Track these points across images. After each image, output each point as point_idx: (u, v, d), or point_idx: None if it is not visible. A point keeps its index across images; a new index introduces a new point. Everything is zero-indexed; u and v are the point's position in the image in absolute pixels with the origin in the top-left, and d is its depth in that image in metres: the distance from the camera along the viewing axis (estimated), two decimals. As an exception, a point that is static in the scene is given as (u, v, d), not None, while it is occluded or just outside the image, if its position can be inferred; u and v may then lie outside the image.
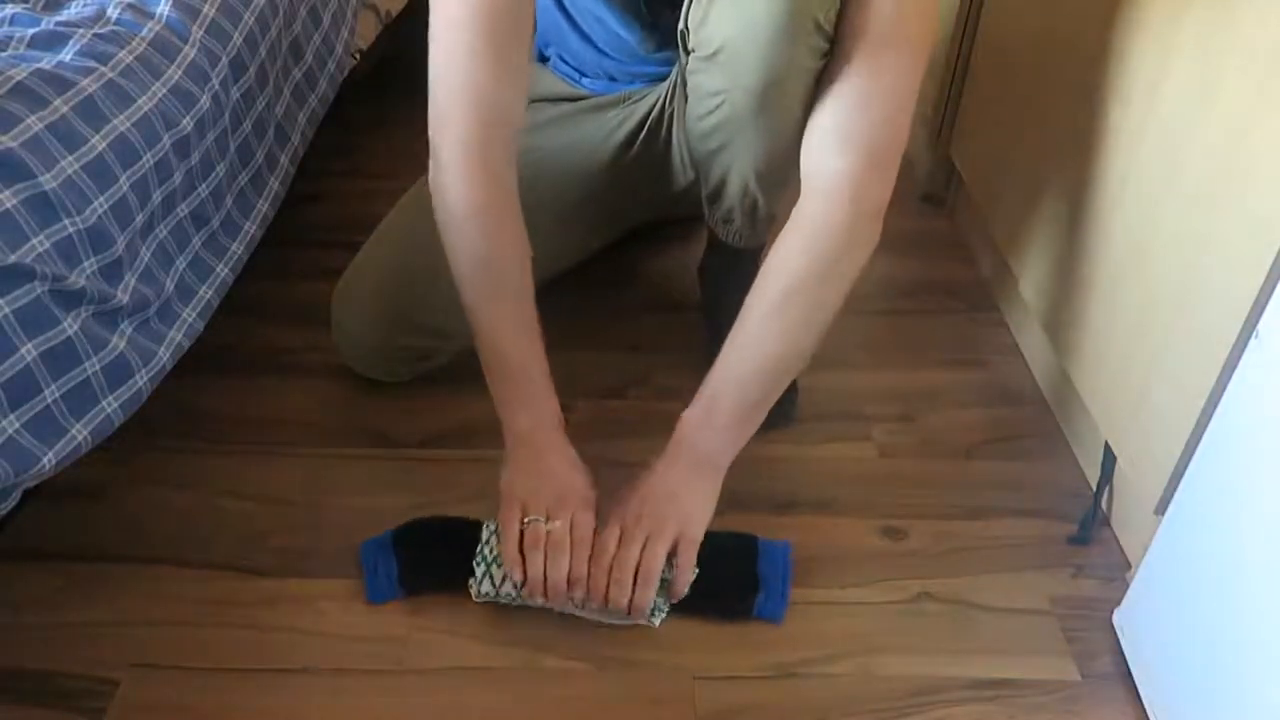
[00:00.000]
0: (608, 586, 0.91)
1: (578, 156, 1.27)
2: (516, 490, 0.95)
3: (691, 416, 0.98)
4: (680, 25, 1.02)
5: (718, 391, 0.97)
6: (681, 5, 1.03)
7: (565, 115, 1.30)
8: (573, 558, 0.91)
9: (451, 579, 0.97)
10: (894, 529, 1.08)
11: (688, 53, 1.02)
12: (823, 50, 0.95)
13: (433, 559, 0.99)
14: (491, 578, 0.96)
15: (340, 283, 1.17)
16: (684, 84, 1.10)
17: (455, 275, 1.00)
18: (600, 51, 1.25)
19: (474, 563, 0.97)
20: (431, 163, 0.98)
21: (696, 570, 0.94)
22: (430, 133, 0.98)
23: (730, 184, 1.07)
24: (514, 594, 0.94)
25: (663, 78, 1.25)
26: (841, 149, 0.94)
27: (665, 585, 0.93)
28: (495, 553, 0.96)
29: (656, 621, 0.94)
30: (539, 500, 0.94)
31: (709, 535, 0.95)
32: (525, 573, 0.92)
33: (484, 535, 0.98)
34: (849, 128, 0.94)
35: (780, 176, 1.06)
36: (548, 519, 0.92)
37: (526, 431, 0.98)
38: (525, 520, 0.93)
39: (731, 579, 0.98)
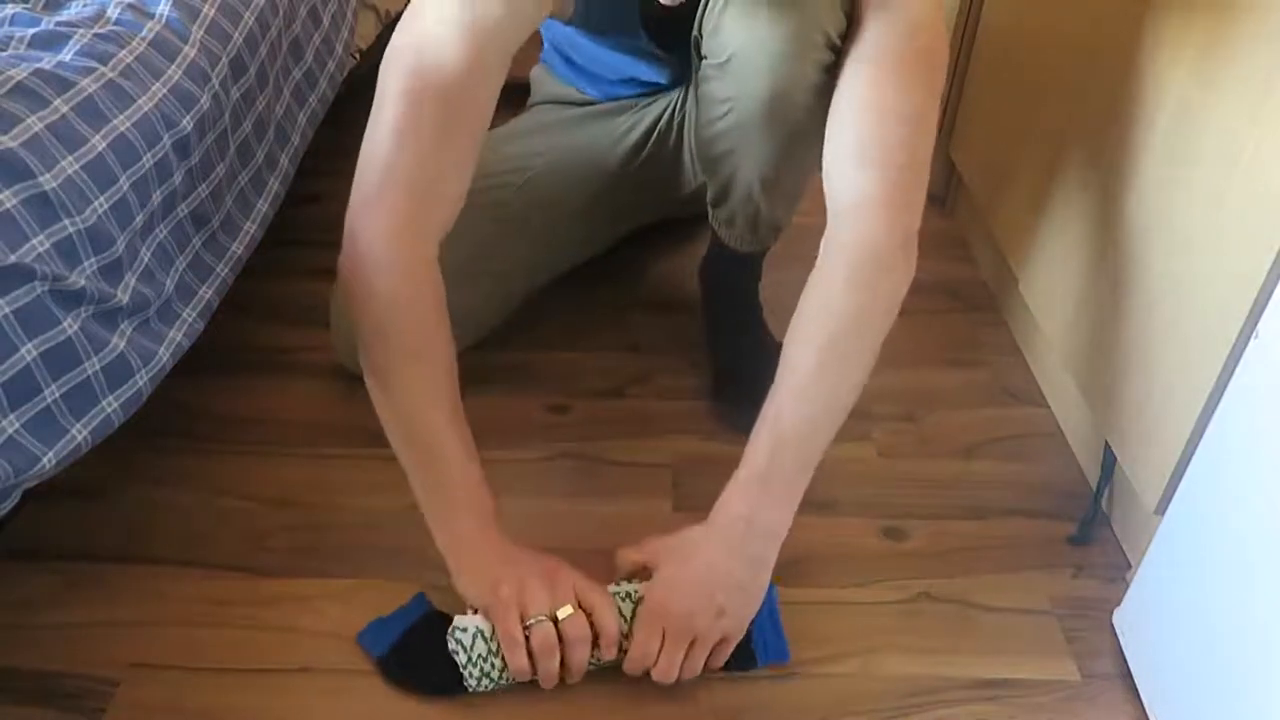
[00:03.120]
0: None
1: (587, 159, 1.27)
2: (501, 594, 0.85)
3: (746, 488, 0.88)
4: (694, 32, 1.03)
5: (775, 455, 0.88)
6: (687, 28, 1.04)
7: (574, 119, 1.30)
8: (598, 645, 0.87)
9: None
10: (894, 529, 1.08)
11: (700, 59, 1.03)
12: (829, 64, 0.95)
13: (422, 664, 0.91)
14: (489, 677, 0.88)
15: (337, 282, 1.17)
16: (695, 89, 1.11)
17: (374, 367, 0.90)
18: (610, 81, 1.26)
19: (463, 675, 0.88)
20: (346, 250, 0.89)
21: None
22: (349, 217, 0.88)
23: (735, 189, 1.07)
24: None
25: (667, 87, 1.26)
26: (864, 172, 0.89)
27: None
28: (479, 655, 0.87)
29: None
30: (533, 595, 0.85)
31: None
32: (537, 672, 0.86)
33: (456, 644, 0.88)
34: (871, 151, 0.89)
35: (784, 186, 1.06)
36: (552, 613, 0.85)
37: (474, 533, 0.89)
38: (528, 624, 0.85)
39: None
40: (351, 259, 0.88)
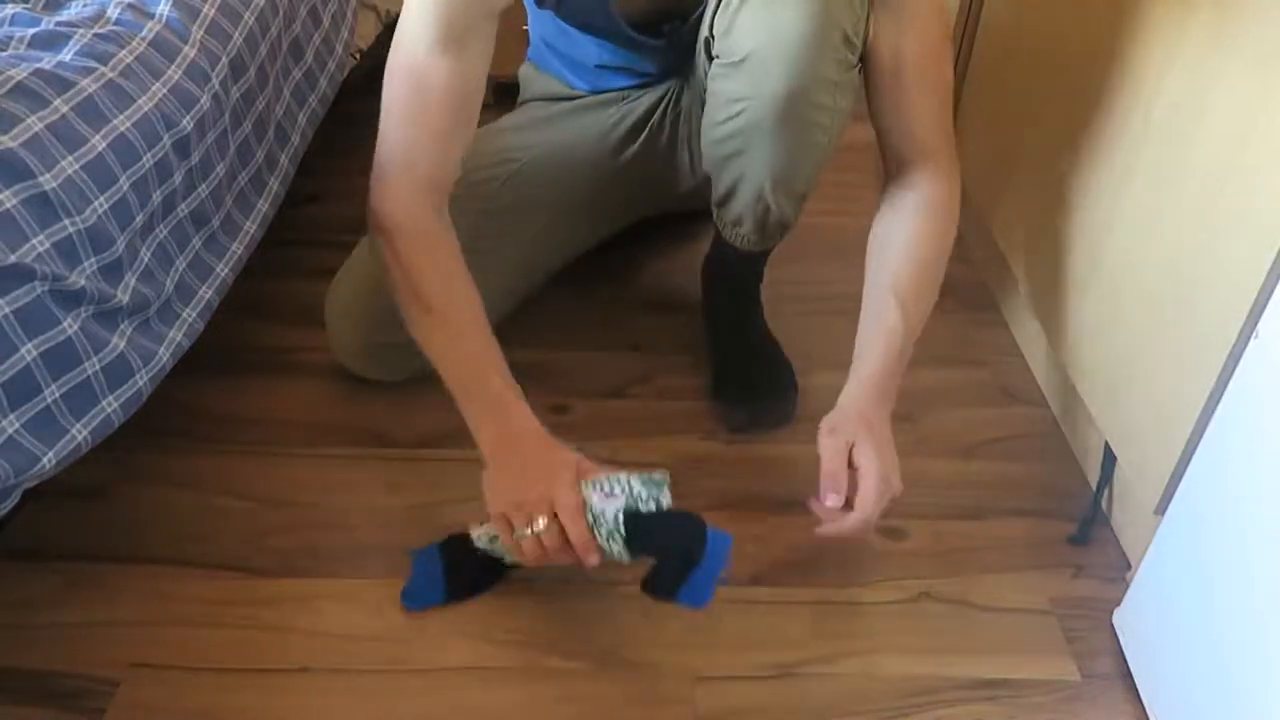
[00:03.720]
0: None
1: (578, 153, 1.27)
2: (496, 505, 0.92)
3: (876, 379, 0.98)
4: (704, 33, 1.03)
5: (887, 360, 0.99)
6: (664, 27, 1.06)
7: (563, 112, 1.30)
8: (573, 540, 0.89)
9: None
10: (894, 529, 1.08)
11: (710, 59, 1.03)
12: (850, 64, 0.97)
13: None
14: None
15: (332, 283, 1.17)
16: (698, 86, 1.11)
17: (411, 320, 0.99)
18: (597, 71, 1.27)
19: (504, 559, 0.98)
20: (370, 223, 1.02)
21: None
22: (370, 194, 1.01)
23: (743, 189, 1.07)
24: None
25: (658, 78, 1.26)
26: (934, 136, 1.05)
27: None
28: (504, 546, 0.94)
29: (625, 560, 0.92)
30: (519, 506, 0.90)
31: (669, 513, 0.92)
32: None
33: (484, 548, 0.97)
34: (934, 118, 1.04)
35: (797, 185, 1.06)
36: (532, 524, 0.89)
37: (491, 446, 0.95)
38: (515, 535, 0.90)
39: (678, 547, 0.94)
40: (373, 229, 1.02)
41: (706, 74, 1.05)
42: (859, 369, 0.99)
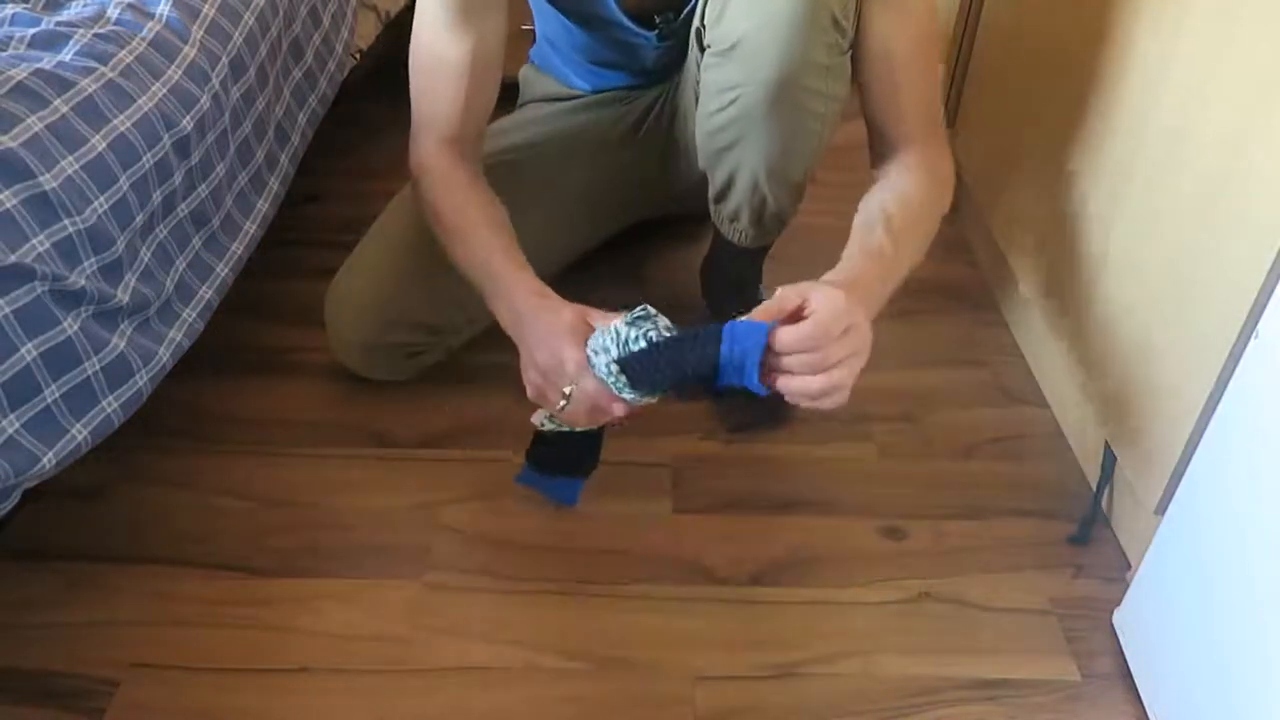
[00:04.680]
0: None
1: (579, 151, 1.27)
2: (527, 384, 0.96)
3: (865, 271, 0.95)
4: (696, 23, 1.04)
5: (867, 272, 0.95)
6: (657, 19, 1.07)
7: (563, 111, 1.30)
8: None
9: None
10: (894, 529, 1.08)
11: (702, 49, 1.03)
12: (841, 48, 0.97)
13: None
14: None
15: (332, 282, 1.17)
16: (691, 80, 1.11)
17: (443, 246, 1.06)
18: (597, 69, 1.27)
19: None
20: (410, 169, 1.09)
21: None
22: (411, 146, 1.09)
23: (739, 181, 1.07)
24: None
25: (652, 78, 1.26)
26: (913, 123, 1.05)
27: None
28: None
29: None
30: (544, 378, 0.94)
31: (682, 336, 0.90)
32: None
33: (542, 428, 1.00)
34: (925, 100, 1.05)
35: (791, 174, 1.06)
36: (561, 393, 0.93)
37: (508, 323, 0.99)
38: (557, 408, 0.94)
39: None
40: (412, 182, 1.11)
41: (699, 65, 1.05)
42: (837, 271, 0.94)
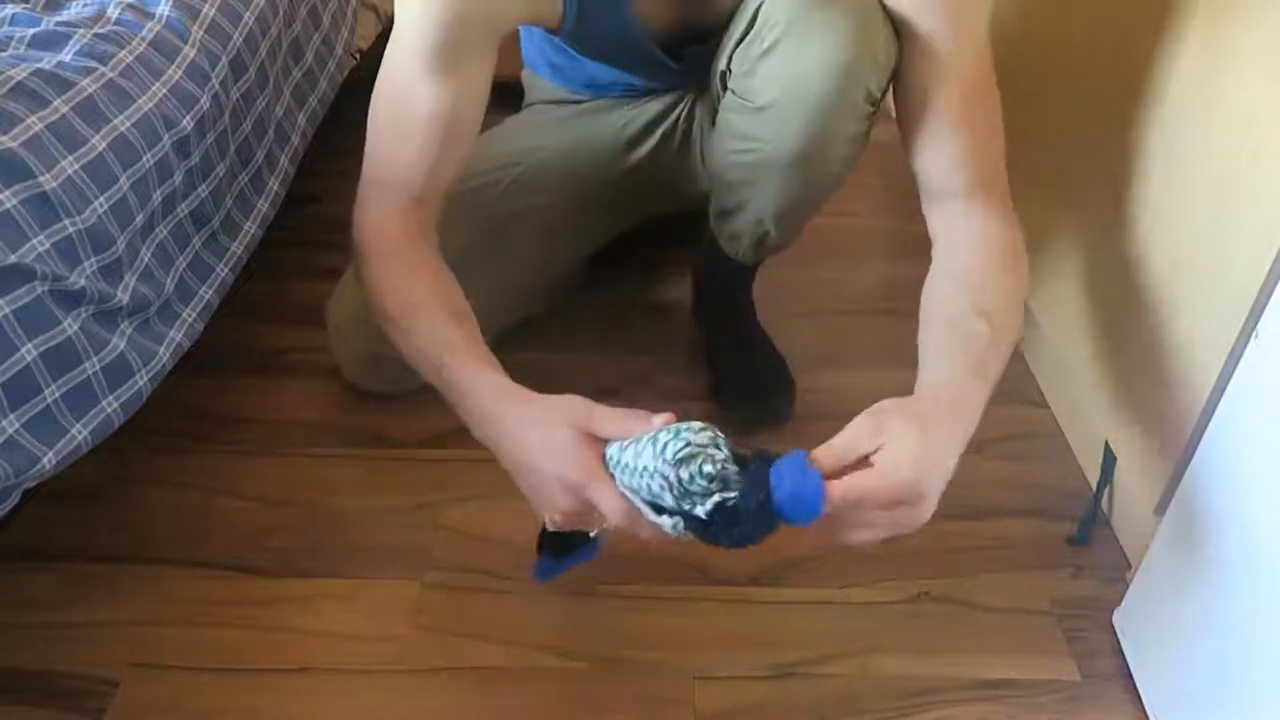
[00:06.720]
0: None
1: (584, 155, 1.26)
2: (541, 516, 0.85)
3: (967, 380, 0.82)
4: (721, 65, 1.02)
5: (964, 367, 0.83)
6: (683, 51, 1.04)
7: (569, 116, 1.30)
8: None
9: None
10: (894, 529, 1.08)
11: (724, 87, 1.01)
12: (869, 115, 0.95)
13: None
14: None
15: (334, 292, 1.17)
16: (708, 103, 1.09)
17: (387, 332, 0.94)
18: (601, 85, 1.26)
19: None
20: (353, 240, 0.97)
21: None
22: (354, 221, 0.97)
23: (745, 214, 1.07)
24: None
25: (662, 90, 1.25)
26: (965, 174, 0.93)
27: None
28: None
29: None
30: (563, 516, 0.82)
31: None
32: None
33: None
34: (973, 159, 0.93)
35: (798, 220, 1.07)
36: (588, 530, 0.83)
37: (483, 437, 0.87)
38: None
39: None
40: (355, 249, 0.98)
41: (719, 98, 1.04)
42: (926, 374, 0.83)
